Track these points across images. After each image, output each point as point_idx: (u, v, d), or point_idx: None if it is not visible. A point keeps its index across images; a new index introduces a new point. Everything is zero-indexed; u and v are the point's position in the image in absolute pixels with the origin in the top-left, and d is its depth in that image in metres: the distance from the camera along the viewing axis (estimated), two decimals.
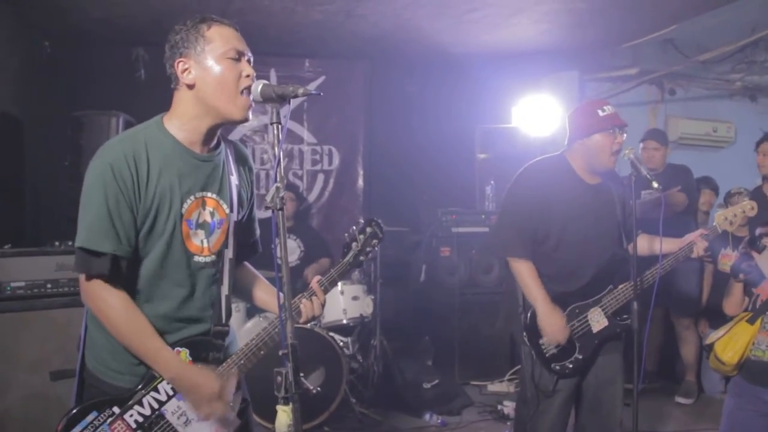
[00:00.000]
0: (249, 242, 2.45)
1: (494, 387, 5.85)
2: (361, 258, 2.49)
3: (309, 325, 4.39)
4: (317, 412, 4.64)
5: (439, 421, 4.99)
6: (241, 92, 2.07)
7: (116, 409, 2.05)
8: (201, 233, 2.16)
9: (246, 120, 2.14)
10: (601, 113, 3.26)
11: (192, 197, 2.13)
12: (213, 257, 2.20)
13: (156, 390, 2.09)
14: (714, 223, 3.43)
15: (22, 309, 3.82)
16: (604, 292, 3.34)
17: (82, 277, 2.05)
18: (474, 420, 5.12)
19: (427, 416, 5.05)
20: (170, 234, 2.08)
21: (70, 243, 3.84)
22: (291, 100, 1.91)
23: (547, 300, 3.25)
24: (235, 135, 6.45)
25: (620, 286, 3.32)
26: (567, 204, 3.29)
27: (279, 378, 1.80)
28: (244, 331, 4.77)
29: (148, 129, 2.12)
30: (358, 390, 5.30)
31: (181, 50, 2.07)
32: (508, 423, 4.94)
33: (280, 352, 1.82)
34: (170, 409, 2.10)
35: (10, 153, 5.19)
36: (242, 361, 2.22)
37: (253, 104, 2.08)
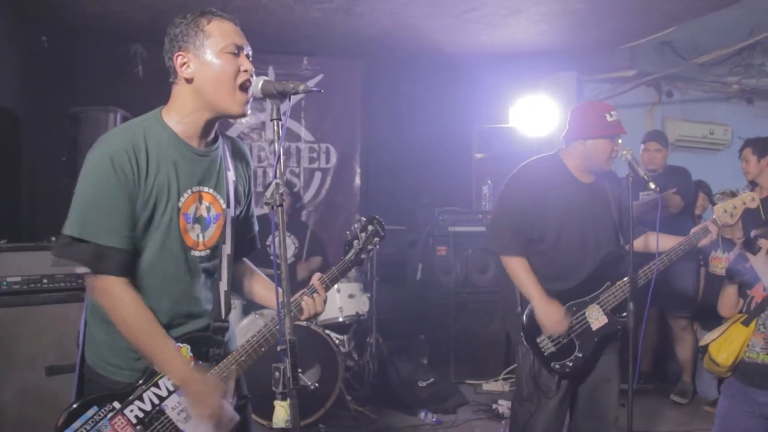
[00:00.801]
0: (247, 238, 2.46)
1: (489, 386, 5.87)
2: (363, 256, 2.50)
3: (305, 322, 4.40)
4: (313, 409, 4.64)
5: (434, 419, 5.00)
6: (239, 87, 2.07)
7: (117, 404, 2.05)
8: (197, 227, 2.16)
9: (244, 115, 2.14)
10: (608, 118, 3.26)
11: (189, 191, 2.12)
12: (208, 252, 2.19)
13: (156, 385, 2.10)
14: (714, 216, 3.44)
15: (17, 304, 3.81)
16: (601, 289, 3.35)
17: (88, 272, 2.03)
18: (469, 419, 5.13)
19: (422, 414, 5.06)
20: (167, 227, 2.08)
21: None
22: (291, 96, 1.91)
23: (543, 294, 3.26)
24: (232, 133, 6.43)
25: (618, 283, 3.33)
26: (562, 203, 3.31)
27: (277, 373, 1.81)
28: (240, 329, 4.76)
29: (147, 121, 2.12)
30: (354, 388, 5.31)
31: (180, 44, 2.07)
32: (503, 422, 4.95)
33: (279, 348, 1.83)
34: (170, 405, 2.10)
35: (6, 148, 5.17)
36: (243, 358, 2.22)
37: (252, 100, 2.08)
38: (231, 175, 2.26)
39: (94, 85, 5.78)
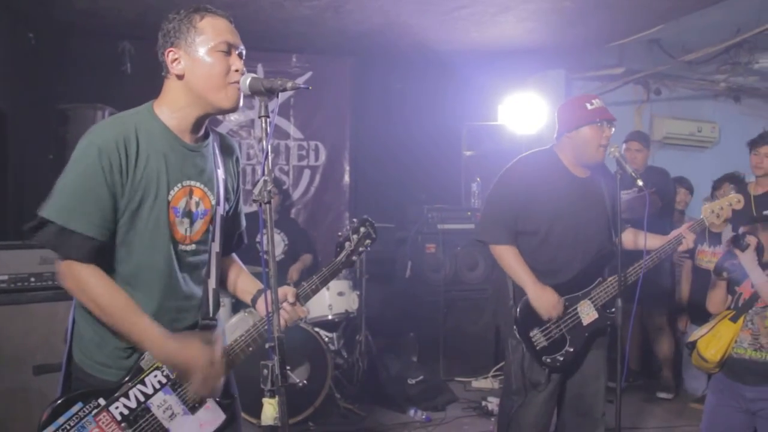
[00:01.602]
0: (234, 234, 2.45)
1: (479, 383, 5.88)
2: (354, 258, 2.50)
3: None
4: (302, 407, 4.64)
5: (423, 416, 5.01)
6: (230, 84, 2.06)
7: (102, 401, 2.04)
8: (186, 222, 2.15)
9: (236, 109, 2.13)
10: (589, 106, 3.29)
11: (179, 185, 2.12)
12: (194, 246, 2.18)
13: (143, 383, 2.09)
14: (701, 216, 3.47)
15: (4, 303, 3.78)
16: (593, 284, 3.37)
17: (58, 257, 2.02)
18: (458, 416, 5.14)
19: (411, 412, 5.07)
20: (156, 220, 2.07)
21: None
22: (279, 94, 1.91)
23: (536, 280, 3.28)
24: (221, 130, 6.39)
25: (609, 279, 3.35)
26: (556, 197, 3.32)
27: (265, 371, 1.80)
28: (228, 327, 4.75)
29: (138, 114, 2.11)
30: (343, 386, 5.31)
31: (172, 39, 2.07)
32: (492, 419, 4.96)
33: (267, 345, 1.82)
34: (156, 403, 2.09)
35: None
36: (230, 357, 2.21)
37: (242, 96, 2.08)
38: (221, 174, 2.26)
39: (82, 82, 5.73)
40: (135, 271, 2.08)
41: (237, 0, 5.13)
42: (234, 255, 2.51)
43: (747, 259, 3.41)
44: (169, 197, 2.09)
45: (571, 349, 3.33)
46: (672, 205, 5.83)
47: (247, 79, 1.96)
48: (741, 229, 3.59)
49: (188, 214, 2.15)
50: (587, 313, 3.34)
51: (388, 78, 7.35)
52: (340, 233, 2.51)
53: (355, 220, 2.54)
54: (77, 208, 1.96)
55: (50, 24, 5.79)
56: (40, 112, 5.20)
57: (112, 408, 2.05)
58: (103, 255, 2.03)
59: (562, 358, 3.33)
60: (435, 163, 6.90)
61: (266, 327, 2.17)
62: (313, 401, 4.68)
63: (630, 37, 6.23)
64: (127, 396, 2.07)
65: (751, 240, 3.41)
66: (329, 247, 6.51)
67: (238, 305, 5.04)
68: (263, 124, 1.88)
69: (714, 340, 3.50)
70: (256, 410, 1.85)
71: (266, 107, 1.90)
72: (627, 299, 3.20)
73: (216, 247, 2.25)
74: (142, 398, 2.08)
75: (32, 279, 3.88)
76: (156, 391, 2.10)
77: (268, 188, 1.83)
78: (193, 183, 2.16)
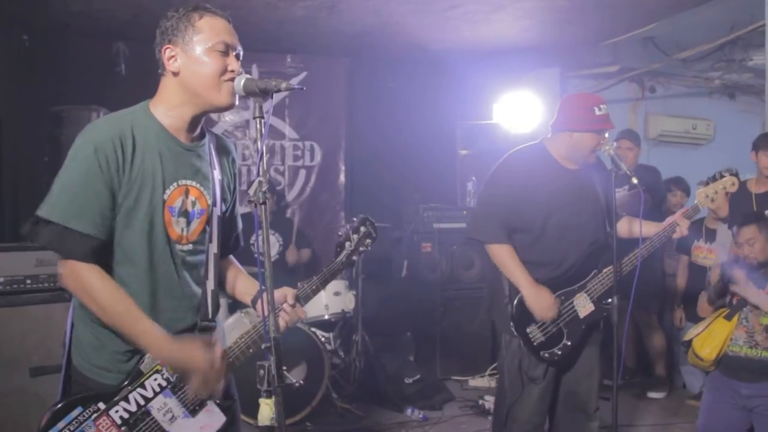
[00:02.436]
0: (232, 236, 2.44)
1: (475, 382, 5.89)
2: (354, 258, 2.48)
3: None
4: (299, 407, 4.63)
5: (420, 415, 5.01)
6: (224, 82, 2.06)
7: (102, 405, 2.03)
8: (182, 221, 2.14)
9: (232, 105, 2.12)
10: (597, 112, 3.26)
11: (175, 184, 2.11)
12: (190, 246, 2.17)
13: (143, 386, 2.07)
14: (695, 201, 3.46)
15: (1, 305, 3.76)
16: (588, 277, 3.37)
17: (59, 257, 2.01)
18: (455, 415, 5.15)
19: (408, 411, 5.07)
20: (152, 218, 2.06)
21: None
22: (273, 94, 1.91)
23: (531, 280, 3.28)
24: (216, 131, 6.39)
25: (604, 270, 3.36)
26: (549, 191, 3.32)
27: (262, 371, 1.80)
28: (225, 327, 4.74)
29: (134, 113, 2.11)
30: (340, 385, 5.31)
31: (169, 37, 2.06)
32: (489, 417, 4.96)
33: (263, 346, 1.82)
34: (156, 406, 2.08)
35: None
36: (230, 359, 2.20)
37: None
38: (217, 174, 2.25)
39: (77, 83, 5.73)
40: (132, 270, 2.07)
41: (232, 1, 5.13)
42: (231, 257, 2.50)
43: (743, 288, 3.42)
44: (165, 196, 2.09)
45: (569, 343, 3.34)
46: (662, 204, 5.80)
47: (241, 80, 1.96)
48: (734, 228, 3.60)
49: (184, 213, 2.14)
50: (583, 305, 3.35)
51: (383, 78, 7.35)
52: (340, 233, 2.49)
53: (355, 219, 2.52)
54: (76, 207, 1.96)
55: (44, 26, 5.79)
56: (35, 114, 5.19)
57: (112, 412, 2.04)
58: (101, 255, 2.02)
59: (560, 352, 3.33)
60: (430, 162, 6.90)
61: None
62: (310, 401, 4.68)
63: (624, 35, 6.25)
64: (127, 399, 2.05)
65: (738, 274, 3.42)
66: (326, 247, 6.51)
67: (234, 306, 5.04)
68: (258, 125, 1.88)
69: (709, 339, 3.52)
70: (253, 411, 1.85)
71: (261, 108, 1.89)
72: (622, 296, 3.20)
73: (214, 248, 2.25)
74: (142, 401, 2.07)
75: (28, 281, 3.87)
76: (156, 394, 2.09)
77: (263, 189, 1.83)
78: (189, 182, 2.15)
